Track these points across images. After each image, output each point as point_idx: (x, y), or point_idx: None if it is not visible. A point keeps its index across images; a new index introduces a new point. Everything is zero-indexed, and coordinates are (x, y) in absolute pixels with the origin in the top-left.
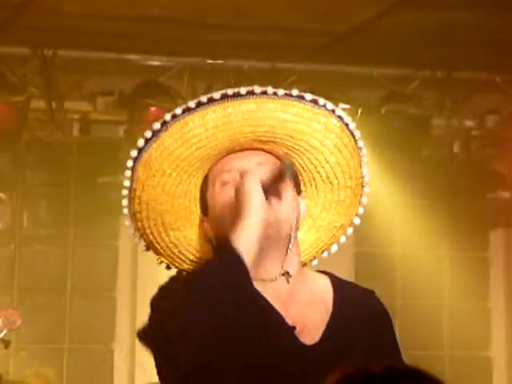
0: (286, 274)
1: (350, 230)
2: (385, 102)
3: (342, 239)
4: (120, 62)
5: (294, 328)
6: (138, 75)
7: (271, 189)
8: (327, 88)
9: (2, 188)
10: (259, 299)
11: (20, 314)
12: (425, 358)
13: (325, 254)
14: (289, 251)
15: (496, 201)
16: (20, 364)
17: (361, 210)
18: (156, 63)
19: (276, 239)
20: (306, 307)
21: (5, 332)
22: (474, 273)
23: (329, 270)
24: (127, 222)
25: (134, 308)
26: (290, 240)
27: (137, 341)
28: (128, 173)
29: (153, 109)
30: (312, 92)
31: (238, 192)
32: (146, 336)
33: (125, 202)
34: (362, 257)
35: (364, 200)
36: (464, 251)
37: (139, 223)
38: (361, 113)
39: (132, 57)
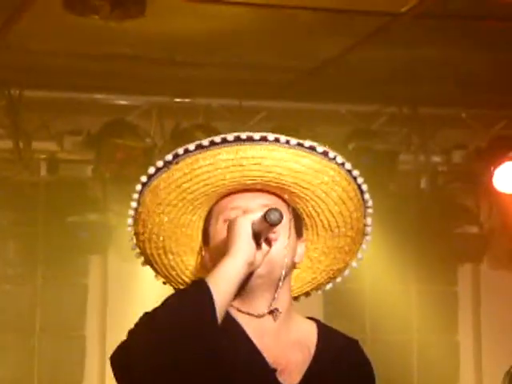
0: (275, 310)
1: (346, 273)
2: (352, 138)
3: (338, 279)
4: (87, 101)
5: (274, 370)
6: (105, 114)
7: (263, 232)
8: (294, 124)
9: None
10: (238, 337)
11: None
12: None
13: (319, 292)
14: (279, 289)
15: (464, 235)
16: None
17: (360, 256)
18: (124, 102)
19: (267, 279)
20: (289, 348)
21: None
22: (442, 306)
23: (298, 304)
24: (130, 238)
25: (104, 346)
26: (280, 279)
27: (106, 380)
28: (135, 195)
29: (120, 148)
30: (280, 128)
31: (228, 229)
32: None
33: (130, 221)
34: (331, 292)
35: (364, 247)
36: (432, 285)
37: (140, 243)
38: None
39: (99, 96)
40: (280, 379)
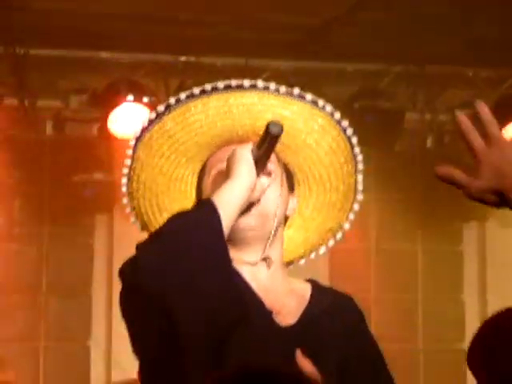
0: (268, 258)
1: (339, 235)
2: (358, 97)
3: (331, 242)
4: (93, 60)
5: (270, 312)
6: (110, 73)
7: (263, 158)
8: (300, 84)
9: None
10: (236, 274)
11: None
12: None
13: (312, 256)
14: (271, 237)
15: None
16: None
17: (351, 216)
18: (129, 61)
19: (259, 232)
20: (284, 294)
21: None
22: (447, 266)
23: (303, 266)
24: (124, 200)
25: (110, 305)
26: (271, 232)
27: (113, 337)
28: (129, 151)
29: (125, 106)
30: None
31: (228, 161)
32: (122, 309)
33: (124, 180)
34: (336, 252)
35: (356, 207)
36: (438, 245)
37: (135, 202)
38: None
39: (105, 55)
40: (276, 320)
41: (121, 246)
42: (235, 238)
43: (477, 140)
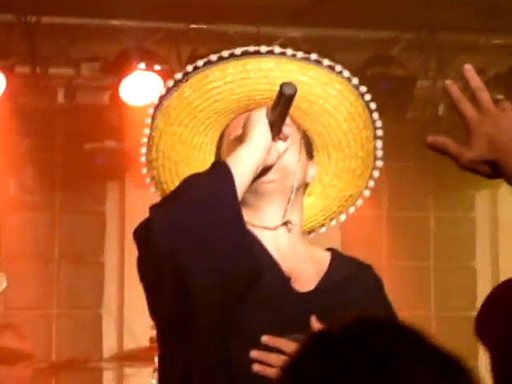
0: (289, 222)
1: (359, 202)
2: (370, 64)
3: (351, 209)
4: (104, 27)
5: (289, 278)
6: (122, 41)
7: (278, 120)
8: (312, 51)
9: None
10: (253, 246)
11: (6, 277)
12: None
13: (333, 223)
14: (291, 201)
15: None
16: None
17: (371, 183)
18: (140, 29)
19: (279, 185)
20: (302, 261)
21: None
22: (460, 233)
23: (315, 233)
24: (144, 170)
25: (122, 273)
26: (292, 191)
27: (125, 305)
28: (148, 120)
29: (137, 73)
30: None
31: (243, 125)
32: (140, 269)
33: (143, 150)
34: (348, 220)
35: (376, 174)
36: (450, 212)
37: (155, 171)
38: None
39: (116, 22)
40: (294, 286)
41: (132, 213)
42: (255, 198)
43: (468, 109)
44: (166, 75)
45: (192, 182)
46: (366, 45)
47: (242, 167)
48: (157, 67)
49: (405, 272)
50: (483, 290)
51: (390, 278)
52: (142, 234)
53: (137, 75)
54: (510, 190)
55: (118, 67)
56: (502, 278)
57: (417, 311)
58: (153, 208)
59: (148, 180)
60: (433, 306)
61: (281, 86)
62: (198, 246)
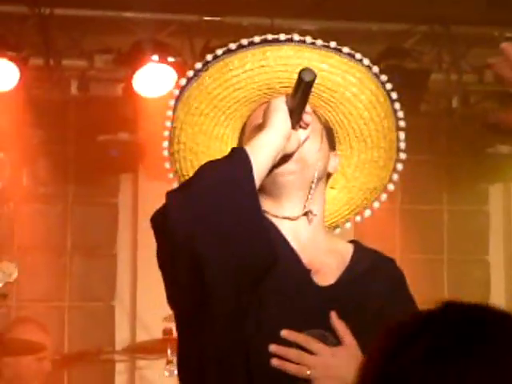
0: (310, 212)
1: (383, 196)
2: (383, 57)
3: (376, 204)
4: (118, 19)
5: (309, 270)
6: (135, 33)
7: (298, 107)
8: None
9: (1, 146)
10: (274, 237)
11: (17, 267)
12: None
13: (358, 219)
14: (312, 191)
15: (495, 155)
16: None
17: (395, 177)
18: (153, 21)
19: (299, 177)
20: (324, 253)
21: (2, 284)
22: (473, 226)
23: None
24: (167, 164)
25: (135, 265)
26: (313, 181)
27: (138, 297)
28: (169, 112)
29: (151, 65)
30: None
31: (263, 113)
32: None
33: (165, 144)
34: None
35: (399, 166)
36: (464, 205)
37: (177, 164)
38: None
39: (129, 14)
40: (314, 279)
41: (145, 205)
42: (275, 189)
43: None
44: (179, 67)
45: (209, 169)
46: (379, 38)
47: (260, 154)
48: (170, 59)
49: (418, 265)
50: (497, 283)
51: (404, 272)
52: (159, 221)
53: (150, 67)
54: None
55: (131, 59)
56: None
57: (430, 305)
58: (169, 194)
59: (171, 175)
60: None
61: (300, 72)
62: (214, 232)
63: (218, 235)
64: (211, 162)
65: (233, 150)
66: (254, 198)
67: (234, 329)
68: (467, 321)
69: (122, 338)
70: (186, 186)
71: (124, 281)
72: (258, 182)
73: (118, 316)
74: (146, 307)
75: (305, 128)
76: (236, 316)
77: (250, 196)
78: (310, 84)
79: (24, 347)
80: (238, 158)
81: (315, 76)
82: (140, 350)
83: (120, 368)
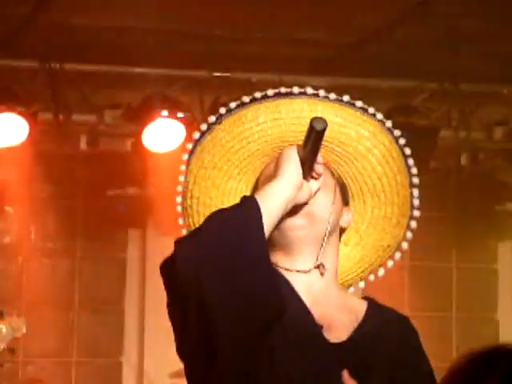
0: (321, 266)
1: (397, 255)
2: (393, 113)
3: (390, 263)
4: (127, 75)
5: (321, 326)
6: (145, 88)
7: (309, 158)
8: None
9: (10, 201)
10: (285, 292)
11: (25, 322)
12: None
13: (371, 278)
14: (324, 244)
15: (504, 212)
16: (28, 379)
17: (409, 235)
18: (163, 76)
19: (309, 232)
20: (336, 308)
21: (10, 339)
22: (482, 284)
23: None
24: (180, 220)
25: (142, 321)
26: (325, 235)
27: (145, 353)
28: (183, 167)
29: (160, 121)
30: None
31: (275, 163)
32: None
33: (179, 199)
34: None
35: (413, 224)
36: (473, 263)
37: (190, 219)
38: None
39: (139, 70)
40: (326, 336)
41: (153, 260)
42: (285, 243)
43: None
44: (188, 123)
45: (218, 216)
46: (388, 94)
47: (271, 203)
48: (180, 115)
49: (427, 322)
50: (506, 341)
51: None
52: (167, 269)
53: (159, 122)
54: None
55: (140, 114)
56: None
57: (440, 363)
58: (177, 242)
59: (184, 231)
60: (455, 358)
61: (311, 121)
62: (222, 280)
63: (225, 283)
64: (221, 210)
65: (243, 197)
66: (263, 247)
67: (243, 381)
68: None
69: None
70: (194, 233)
71: (131, 337)
72: (267, 230)
73: (125, 372)
74: (154, 364)
75: (316, 179)
76: (244, 367)
77: (259, 244)
78: (322, 133)
79: None
80: (248, 206)
81: (326, 125)
82: None
83: None
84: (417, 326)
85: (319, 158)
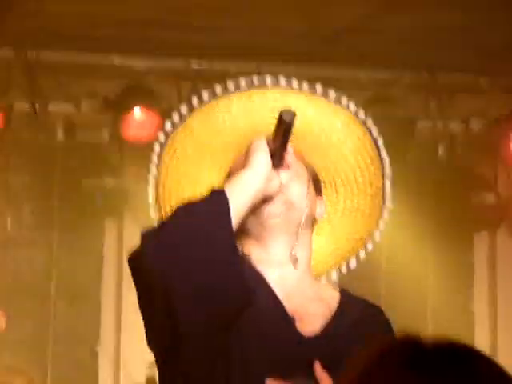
0: (295, 258)
1: (369, 246)
2: (369, 104)
3: (362, 254)
4: (104, 64)
5: (293, 319)
6: (122, 78)
7: (278, 151)
8: None
9: None
10: (257, 284)
11: (4, 315)
12: None
13: (343, 270)
14: (298, 236)
15: (480, 204)
16: (5, 367)
17: (382, 225)
18: (140, 66)
19: (285, 220)
20: (309, 300)
21: None
22: (458, 276)
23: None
24: (151, 212)
25: (119, 310)
26: (300, 226)
27: (121, 342)
28: (155, 158)
29: (137, 111)
30: None
31: (245, 154)
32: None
33: (150, 190)
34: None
35: (385, 214)
36: (448, 254)
37: (162, 212)
38: None
39: (116, 59)
40: (298, 328)
41: (130, 250)
42: (261, 231)
43: None
44: (166, 113)
45: (186, 208)
46: (366, 85)
47: (239, 193)
48: (157, 105)
49: (402, 314)
50: (481, 334)
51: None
52: (135, 261)
53: (137, 112)
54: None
55: (117, 104)
56: (500, 321)
57: None
58: (144, 234)
59: (156, 223)
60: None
61: (280, 113)
62: (186, 272)
63: (189, 274)
64: (188, 202)
65: (212, 191)
66: (230, 238)
67: (207, 376)
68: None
69: (105, 383)
70: (161, 226)
71: (108, 326)
72: (236, 222)
73: (101, 361)
74: (130, 353)
75: (287, 168)
76: (208, 361)
77: (225, 235)
78: (290, 125)
79: None
80: (216, 198)
81: (294, 116)
82: None
83: None
84: (392, 316)
85: (289, 149)
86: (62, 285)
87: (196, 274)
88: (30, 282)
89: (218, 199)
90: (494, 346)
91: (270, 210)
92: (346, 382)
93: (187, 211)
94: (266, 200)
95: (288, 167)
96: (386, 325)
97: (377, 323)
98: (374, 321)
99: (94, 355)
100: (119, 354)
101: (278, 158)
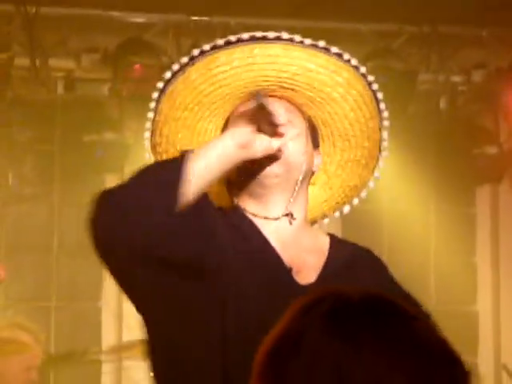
0: (290, 215)
1: (363, 193)
2: (370, 57)
3: (355, 201)
4: (104, 19)
5: (290, 269)
6: (122, 32)
7: (262, 121)
8: None
9: None
10: (254, 237)
11: (5, 268)
12: None
13: (337, 214)
14: (295, 194)
15: (483, 156)
16: (10, 324)
17: (376, 174)
18: (140, 20)
19: (284, 180)
20: (304, 251)
21: None
22: (460, 228)
23: (316, 226)
24: (147, 155)
25: None
26: (297, 184)
27: (124, 298)
28: (152, 104)
29: (137, 66)
30: None
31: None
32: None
33: (147, 134)
34: (348, 214)
35: (381, 164)
36: (451, 206)
37: (158, 156)
38: None
39: (116, 14)
40: (295, 278)
41: None
42: (260, 190)
43: None
44: (166, 68)
45: (145, 170)
46: (367, 38)
47: (205, 157)
48: (157, 60)
49: (405, 266)
50: (483, 285)
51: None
52: (90, 231)
53: (137, 67)
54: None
55: (117, 59)
56: (502, 273)
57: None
58: (102, 192)
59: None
60: (433, 301)
61: (255, 94)
62: (133, 233)
63: (135, 236)
64: (153, 163)
65: (181, 153)
66: (174, 201)
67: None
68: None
69: (108, 338)
70: (120, 184)
71: (110, 281)
72: (200, 185)
73: (104, 316)
74: (132, 308)
75: (279, 136)
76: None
77: (170, 198)
78: (262, 106)
79: (11, 348)
80: (176, 160)
81: (263, 98)
82: (126, 351)
83: (106, 368)
84: (395, 268)
85: (279, 110)
86: (63, 239)
87: (139, 235)
88: (33, 237)
89: (177, 161)
90: (496, 296)
91: (269, 170)
92: (274, 329)
93: (144, 173)
94: (263, 160)
95: (281, 135)
96: (379, 263)
97: (368, 264)
98: (365, 262)
99: (97, 310)
100: (121, 308)
101: (267, 128)
